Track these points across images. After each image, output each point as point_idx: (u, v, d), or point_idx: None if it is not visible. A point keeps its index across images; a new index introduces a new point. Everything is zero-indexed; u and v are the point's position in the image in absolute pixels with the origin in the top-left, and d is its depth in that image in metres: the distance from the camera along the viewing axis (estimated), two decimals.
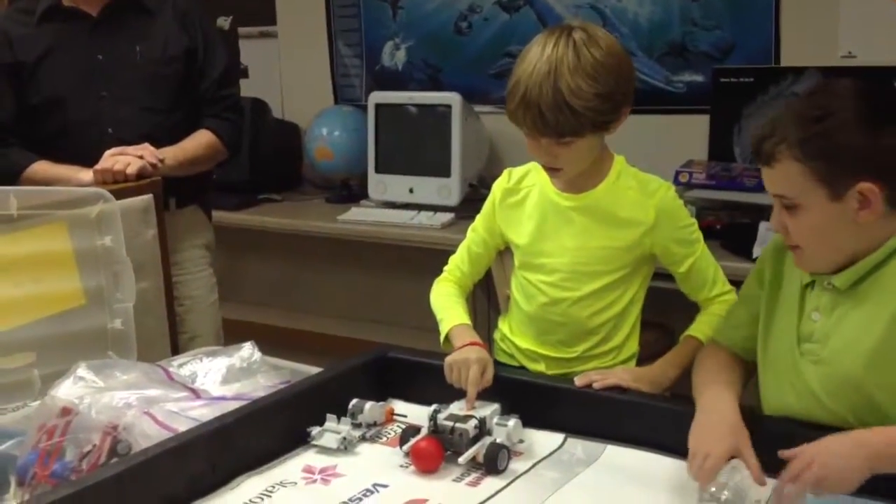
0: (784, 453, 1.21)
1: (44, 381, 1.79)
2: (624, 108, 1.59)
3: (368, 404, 1.55)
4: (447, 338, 1.68)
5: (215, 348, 1.79)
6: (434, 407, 1.46)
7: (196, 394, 1.51)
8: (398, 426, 1.55)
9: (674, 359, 1.63)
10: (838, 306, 1.40)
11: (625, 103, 1.59)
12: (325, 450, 1.48)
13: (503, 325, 1.82)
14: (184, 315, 2.29)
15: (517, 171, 1.78)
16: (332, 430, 1.51)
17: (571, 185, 1.69)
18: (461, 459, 1.37)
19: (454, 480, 1.38)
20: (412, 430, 1.45)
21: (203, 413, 1.47)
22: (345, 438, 1.49)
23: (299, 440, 1.50)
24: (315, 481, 1.39)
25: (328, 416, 1.53)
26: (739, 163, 2.87)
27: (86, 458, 1.40)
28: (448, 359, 1.57)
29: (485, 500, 1.33)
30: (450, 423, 1.41)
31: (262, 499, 1.33)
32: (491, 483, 1.37)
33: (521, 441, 1.47)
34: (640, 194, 1.67)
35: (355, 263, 3.65)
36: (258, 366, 1.67)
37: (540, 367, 1.72)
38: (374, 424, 1.55)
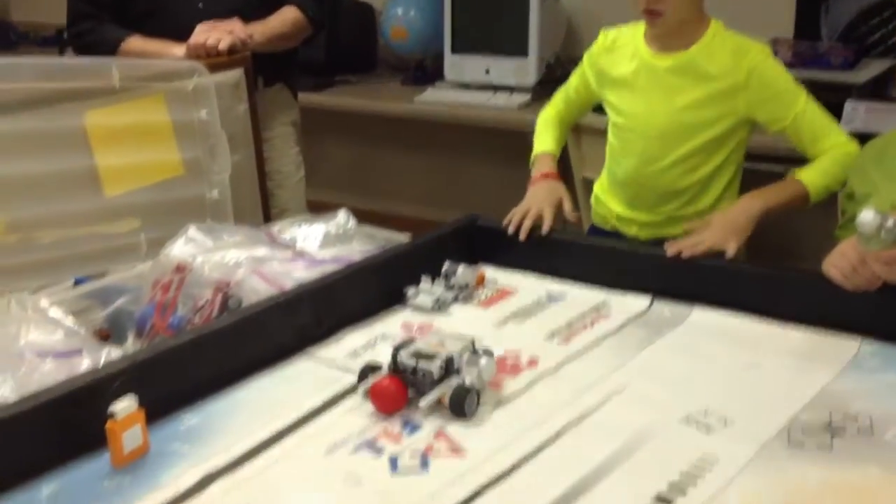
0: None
1: (148, 247, 1.89)
2: None
3: (462, 267, 1.61)
4: (534, 161, 1.85)
5: (311, 216, 1.86)
6: (399, 341, 1.30)
7: (299, 254, 1.59)
8: (490, 290, 1.62)
9: (768, 191, 1.61)
10: None
11: None
12: (420, 309, 1.56)
13: (598, 189, 1.86)
14: (273, 190, 2.36)
15: (612, 32, 1.82)
16: (426, 291, 1.58)
17: (666, 45, 1.71)
18: (422, 403, 1.21)
19: (545, 339, 1.45)
20: (371, 368, 1.28)
21: (305, 276, 1.55)
22: (438, 299, 1.56)
23: (396, 300, 1.58)
24: (414, 336, 1.46)
25: (423, 276, 1.59)
26: (826, 41, 2.81)
27: (199, 312, 1.50)
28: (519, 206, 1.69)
29: (576, 355, 1.39)
30: (412, 362, 1.24)
31: (366, 349, 1.41)
32: (581, 339, 1.43)
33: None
34: (734, 55, 1.68)
35: (431, 146, 3.69)
36: (353, 232, 1.74)
37: (633, 230, 1.76)
38: (466, 287, 1.61)
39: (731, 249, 1.51)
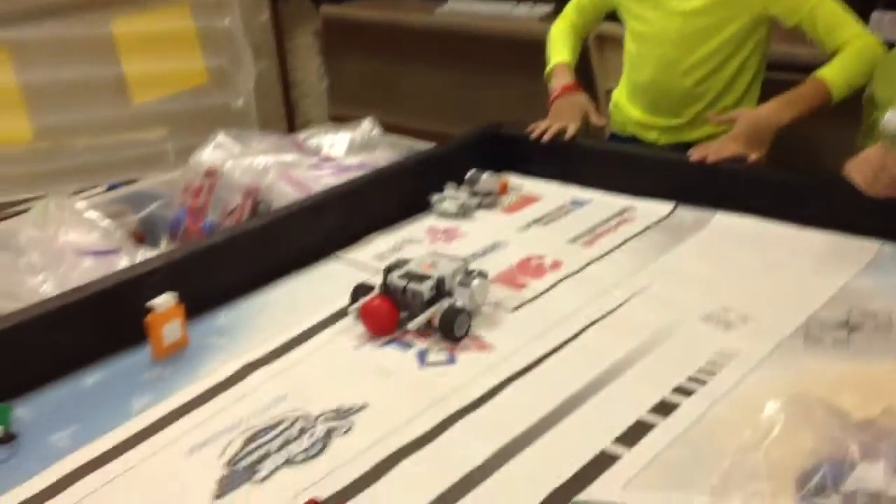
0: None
1: (175, 155, 1.92)
2: None
3: (486, 174, 1.63)
4: (550, 74, 1.83)
5: (337, 124, 1.88)
6: (392, 261, 1.28)
7: (326, 160, 1.61)
8: (514, 196, 1.64)
9: (791, 97, 1.60)
10: None
11: None
12: (445, 215, 1.59)
13: (617, 96, 1.86)
14: (298, 99, 2.38)
15: None
16: (451, 198, 1.60)
17: None
18: (411, 325, 1.19)
19: (569, 242, 1.47)
20: (363, 289, 1.26)
21: (332, 181, 1.58)
22: (462, 205, 1.59)
23: (421, 207, 1.60)
24: (439, 239, 1.50)
25: (448, 183, 1.62)
26: None
27: (229, 216, 1.54)
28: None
29: (598, 257, 1.42)
30: (403, 283, 1.21)
31: (393, 252, 1.45)
32: (604, 243, 1.46)
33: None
34: None
35: (453, 58, 3.65)
36: (378, 140, 1.76)
37: (652, 136, 1.77)
38: (490, 194, 1.63)
39: (753, 158, 1.52)
